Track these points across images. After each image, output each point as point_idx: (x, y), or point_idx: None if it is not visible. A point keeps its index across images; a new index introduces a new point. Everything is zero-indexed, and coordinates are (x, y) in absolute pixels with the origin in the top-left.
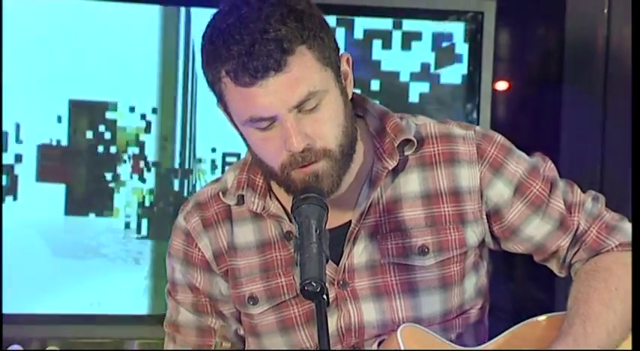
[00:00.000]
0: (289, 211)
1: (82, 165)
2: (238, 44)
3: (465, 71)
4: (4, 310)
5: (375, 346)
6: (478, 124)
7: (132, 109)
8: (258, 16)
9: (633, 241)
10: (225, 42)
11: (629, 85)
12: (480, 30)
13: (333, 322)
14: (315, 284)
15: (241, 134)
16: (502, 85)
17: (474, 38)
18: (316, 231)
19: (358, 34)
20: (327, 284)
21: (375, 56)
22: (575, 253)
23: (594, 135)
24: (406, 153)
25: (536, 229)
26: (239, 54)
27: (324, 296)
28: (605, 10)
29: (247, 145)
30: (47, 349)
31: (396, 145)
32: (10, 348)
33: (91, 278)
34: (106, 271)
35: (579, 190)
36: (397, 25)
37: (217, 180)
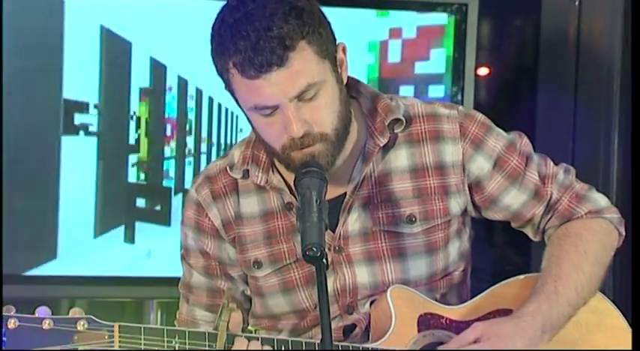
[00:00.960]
0: (290, 184)
1: None
2: (244, 40)
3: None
4: (39, 272)
5: (367, 306)
6: (462, 105)
7: None
8: (263, 14)
9: (633, 241)
10: (233, 36)
11: (599, 71)
12: (464, 21)
13: (329, 284)
14: (315, 249)
15: (247, 116)
16: (484, 71)
17: (458, 28)
18: (316, 201)
19: None
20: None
21: None
22: (548, 220)
23: (566, 115)
24: (396, 131)
25: (513, 198)
26: (245, 49)
27: (324, 260)
28: (577, 3)
29: (252, 126)
30: (71, 311)
31: (386, 123)
32: (38, 309)
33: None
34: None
35: (552, 163)
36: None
37: (225, 156)
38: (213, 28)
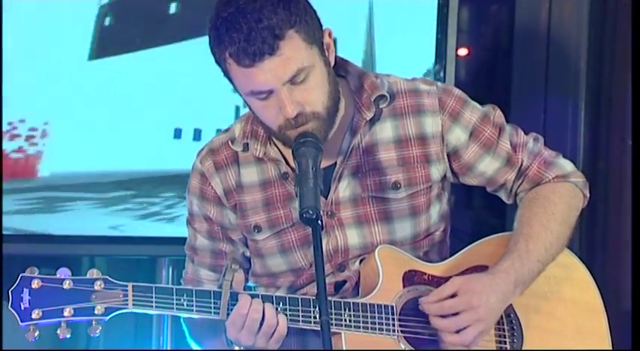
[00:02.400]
0: (286, 155)
1: None
2: (238, 32)
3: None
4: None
5: (357, 264)
6: (444, 82)
7: None
8: (253, 7)
9: (633, 241)
10: (228, 29)
11: (567, 50)
12: (447, 5)
13: (323, 245)
14: (311, 212)
15: (244, 100)
16: (463, 51)
17: (441, 12)
18: (312, 169)
19: None
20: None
21: None
22: (519, 185)
23: (538, 90)
24: (381, 106)
25: (488, 165)
26: (239, 40)
27: (319, 222)
28: None
29: (250, 108)
30: (88, 272)
31: (372, 99)
32: (59, 270)
33: None
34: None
35: (523, 133)
36: None
37: (227, 130)
38: (210, 21)
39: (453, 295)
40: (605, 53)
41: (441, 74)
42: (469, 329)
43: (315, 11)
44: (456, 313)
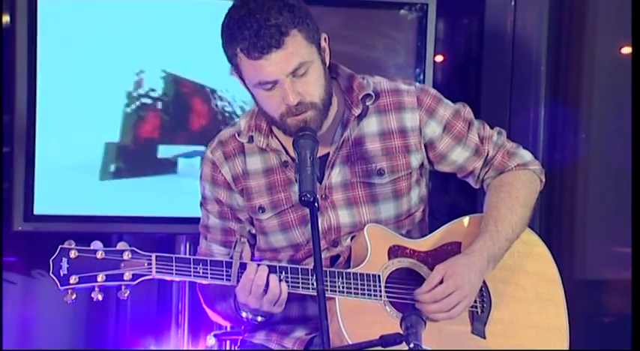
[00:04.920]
0: (286, 146)
1: None
2: (249, 29)
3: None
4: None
5: (348, 240)
6: (424, 83)
7: None
8: (262, 9)
9: (633, 241)
10: (240, 28)
11: (530, 55)
12: (425, 17)
13: (318, 224)
14: (309, 195)
15: (251, 93)
16: (439, 58)
17: (420, 23)
18: (310, 158)
19: None
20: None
21: None
22: (486, 172)
23: (504, 90)
24: (367, 103)
25: (459, 155)
26: (250, 36)
27: (316, 204)
28: (513, 3)
29: (255, 100)
30: (118, 244)
31: (360, 98)
32: (93, 243)
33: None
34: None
35: (489, 127)
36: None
37: (234, 125)
38: (222, 24)
39: (441, 282)
40: (562, 58)
41: (421, 77)
42: (458, 306)
43: (313, 17)
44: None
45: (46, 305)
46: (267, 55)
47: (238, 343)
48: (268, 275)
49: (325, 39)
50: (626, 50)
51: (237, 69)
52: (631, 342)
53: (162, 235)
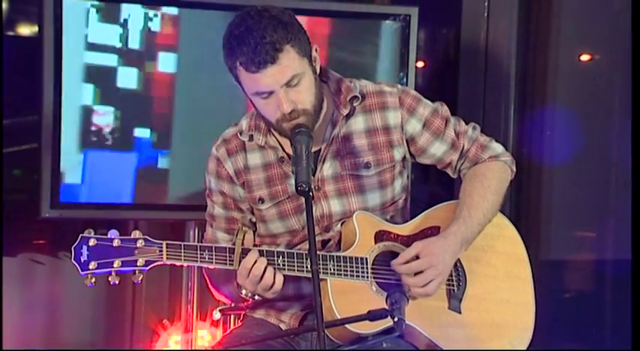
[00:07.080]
0: (282, 144)
1: None
2: (247, 46)
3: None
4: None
5: (339, 226)
6: (407, 86)
7: None
8: (259, 27)
9: (633, 241)
10: (239, 44)
11: (501, 61)
12: (408, 27)
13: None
14: (305, 185)
15: (250, 99)
16: (421, 64)
17: (403, 32)
18: (306, 152)
19: None
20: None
21: None
22: (462, 164)
23: (478, 92)
24: (354, 104)
25: (437, 149)
26: (248, 52)
27: (311, 193)
28: (486, 14)
29: (254, 106)
30: (132, 232)
31: (347, 99)
32: (110, 231)
33: None
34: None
35: (464, 123)
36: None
37: (236, 124)
38: (224, 38)
39: (417, 257)
40: (529, 64)
41: (404, 80)
42: (432, 283)
43: (305, 31)
44: (420, 271)
45: (70, 282)
46: (264, 69)
47: (241, 317)
48: (266, 267)
49: (316, 49)
50: (585, 57)
51: (237, 79)
52: (631, 342)
53: (173, 222)
